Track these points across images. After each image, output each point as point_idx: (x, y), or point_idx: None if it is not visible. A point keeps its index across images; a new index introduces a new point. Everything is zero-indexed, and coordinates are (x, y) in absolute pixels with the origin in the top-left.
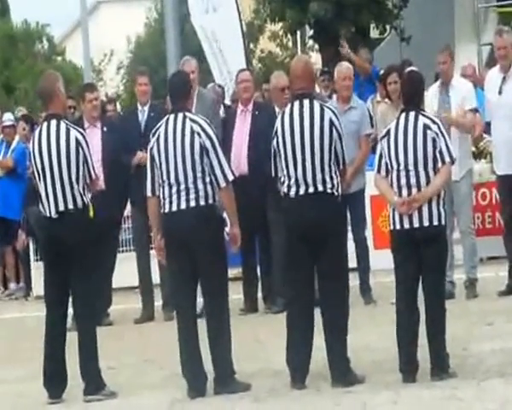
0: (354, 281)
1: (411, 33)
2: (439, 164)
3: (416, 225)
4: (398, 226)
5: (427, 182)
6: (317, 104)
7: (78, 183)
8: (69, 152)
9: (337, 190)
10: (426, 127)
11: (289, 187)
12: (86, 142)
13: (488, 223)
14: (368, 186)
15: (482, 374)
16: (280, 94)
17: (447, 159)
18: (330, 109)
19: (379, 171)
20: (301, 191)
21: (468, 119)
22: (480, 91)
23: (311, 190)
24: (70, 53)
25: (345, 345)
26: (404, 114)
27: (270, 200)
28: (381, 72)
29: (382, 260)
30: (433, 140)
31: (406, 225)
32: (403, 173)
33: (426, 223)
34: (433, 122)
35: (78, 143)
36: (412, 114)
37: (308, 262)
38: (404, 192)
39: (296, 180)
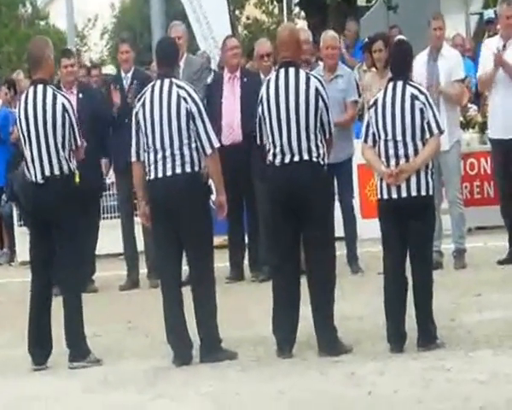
0: (341, 250)
1: (398, 2)
2: (427, 135)
3: (404, 195)
4: (385, 196)
5: (416, 152)
6: (302, 73)
7: (63, 149)
8: (55, 118)
9: (323, 159)
10: (413, 97)
11: (274, 155)
12: (73, 108)
13: (476, 193)
14: (355, 155)
15: (470, 345)
16: (260, 61)
17: (435, 130)
18: (316, 78)
19: (366, 140)
20: (286, 160)
21: (455, 89)
22: (467, 61)
23: (296, 158)
24: (53, 17)
25: (332, 314)
26: (391, 84)
27: (256, 166)
28: (366, 40)
29: (370, 230)
30: (421, 111)
31: (394, 195)
32: (391, 144)
33: (414, 193)
34: (421, 92)
35: (64, 109)
36: (400, 83)
37: (292, 231)
38: (392, 162)
39: (281, 148)
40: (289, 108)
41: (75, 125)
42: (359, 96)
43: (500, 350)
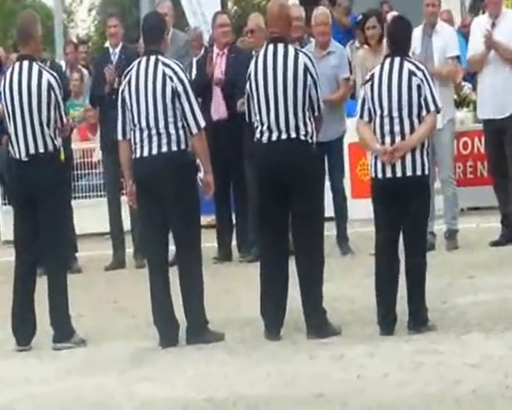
0: (331, 231)
1: None
2: (424, 112)
3: (399, 174)
4: (379, 175)
5: (412, 130)
6: (291, 48)
7: (48, 126)
8: (40, 94)
9: (311, 138)
10: (411, 73)
11: (262, 133)
12: (59, 85)
13: (469, 173)
14: (346, 134)
15: (462, 328)
16: (249, 36)
17: (432, 107)
18: (305, 54)
19: (361, 116)
20: (274, 137)
21: (449, 67)
22: (460, 38)
23: (283, 136)
24: None
25: (320, 296)
26: (388, 60)
27: (246, 146)
28: (360, 17)
29: (360, 210)
30: (418, 87)
31: (388, 174)
32: (386, 120)
33: (409, 173)
34: (419, 68)
35: (50, 85)
36: (397, 59)
37: (281, 210)
38: (388, 140)
39: (269, 126)
40: (277, 85)
41: (61, 103)
42: (351, 73)
43: (492, 333)
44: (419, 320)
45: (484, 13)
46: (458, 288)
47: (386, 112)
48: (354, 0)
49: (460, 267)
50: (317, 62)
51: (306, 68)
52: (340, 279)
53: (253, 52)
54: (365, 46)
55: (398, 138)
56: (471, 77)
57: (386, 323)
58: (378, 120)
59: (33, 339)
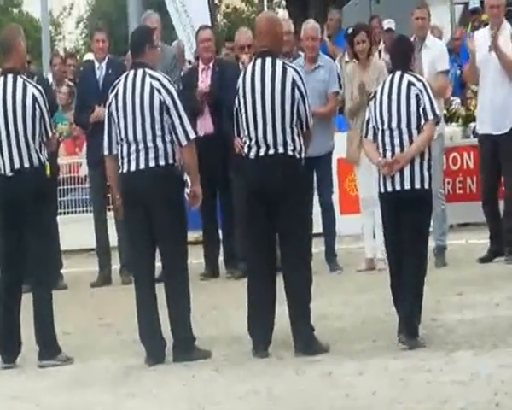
0: (320, 247)
1: None
2: (423, 122)
3: (398, 188)
4: (382, 189)
5: (411, 141)
6: (279, 63)
7: (34, 140)
8: (25, 108)
9: (299, 153)
10: (410, 84)
11: (250, 148)
12: (44, 98)
13: (459, 188)
14: (335, 149)
15: (451, 345)
16: (240, 52)
17: (430, 116)
18: (294, 69)
19: (366, 134)
20: (261, 153)
21: (440, 82)
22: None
23: (271, 151)
24: (28, 5)
25: (308, 312)
26: (390, 76)
27: (232, 161)
28: (350, 30)
29: (349, 226)
30: (417, 97)
31: (389, 188)
32: (387, 133)
33: (407, 186)
34: (418, 80)
35: (34, 99)
36: (398, 73)
37: (268, 226)
38: (388, 153)
39: (256, 141)
40: (265, 100)
41: (46, 117)
42: (340, 87)
43: (481, 351)
44: (411, 332)
45: (473, 26)
46: (447, 305)
47: (386, 125)
48: (344, 15)
49: (449, 284)
50: (306, 76)
51: (294, 83)
52: (328, 296)
53: (241, 66)
54: (354, 60)
55: (397, 150)
56: (460, 91)
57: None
58: (380, 135)
59: (19, 356)
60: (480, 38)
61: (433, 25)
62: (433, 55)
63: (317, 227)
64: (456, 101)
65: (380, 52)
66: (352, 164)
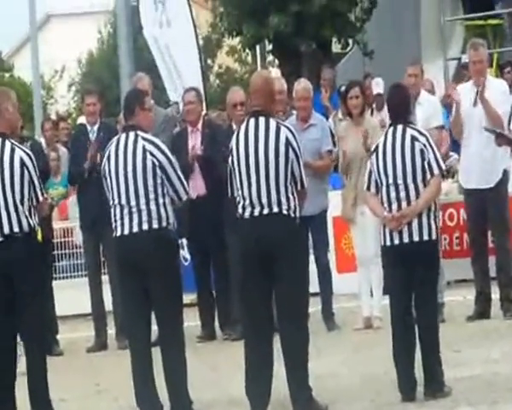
0: (316, 306)
1: (375, 48)
2: (428, 176)
3: (406, 240)
4: (388, 243)
5: (417, 195)
6: (273, 122)
7: (22, 205)
8: (13, 172)
9: (294, 212)
10: (413, 139)
11: (244, 208)
12: (33, 162)
13: (456, 245)
14: (330, 207)
15: (450, 402)
16: (232, 110)
17: (436, 170)
18: (287, 128)
19: (368, 188)
20: (256, 212)
21: (434, 136)
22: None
23: (265, 211)
24: (19, 69)
25: (306, 374)
26: (391, 128)
27: (227, 221)
28: (343, 88)
29: (346, 285)
30: (421, 151)
31: (396, 241)
32: (392, 188)
33: (416, 238)
34: (421, 134)
35: (22, 163)
36: (400, 127)
37: (264, 287)
38: (394, 207)
39: (251, 201)
40: (258, 159)
41: (35, 180)
42: (334, 145)
43: (479, 408)
44: (436, 384)
45: (466, 81)
46: (445, 361)
47: (391, 180)
48: (337, 73)
49: (447, 341)
50: (298, 135)
51: (288, 142)
52: (326, 356)
53: (234, 126)
54: (347, 118)
55: (404, 204)
56: (457, 147)
57: (408, 390)
58: (384, 189)
59: None
60: (464, 92)
61: (425, 78)
62: (427, 111)
63: (314, 286)
64: (454, 156)
65: (372, 111)
66: (348, 222)
